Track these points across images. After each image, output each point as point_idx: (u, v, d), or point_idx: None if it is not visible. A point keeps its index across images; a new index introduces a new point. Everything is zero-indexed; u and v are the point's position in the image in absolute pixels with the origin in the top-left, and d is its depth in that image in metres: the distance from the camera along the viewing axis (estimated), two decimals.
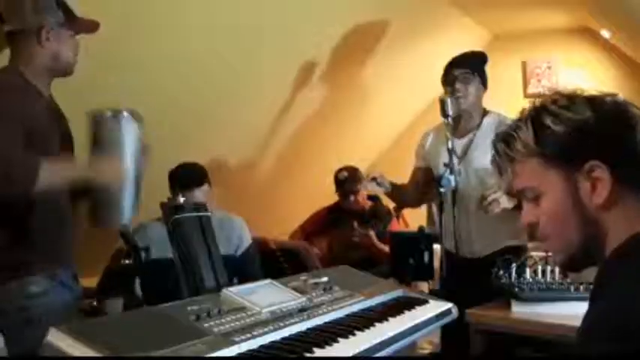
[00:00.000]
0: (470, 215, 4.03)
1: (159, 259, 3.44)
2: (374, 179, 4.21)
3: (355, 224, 5.56)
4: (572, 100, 1.52)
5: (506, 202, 3.74)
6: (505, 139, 1.60)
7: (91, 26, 3.09)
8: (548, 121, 1.51)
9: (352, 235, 5.55)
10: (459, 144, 4.11)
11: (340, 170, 5.67)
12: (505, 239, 3.97)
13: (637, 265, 1.42)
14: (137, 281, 3.76)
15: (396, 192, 4.34)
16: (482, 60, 4.28)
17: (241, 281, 3.43)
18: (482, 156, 3.94)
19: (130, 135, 2.91)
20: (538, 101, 1.57)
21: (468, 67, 4.12)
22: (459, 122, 4.16)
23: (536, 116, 1.54)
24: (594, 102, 1.51)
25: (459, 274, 3.89)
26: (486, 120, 4.13)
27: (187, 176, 4.12)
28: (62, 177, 2.77)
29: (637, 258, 1.43)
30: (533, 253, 3.69)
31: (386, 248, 5.14)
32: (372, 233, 5.47)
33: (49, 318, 2.73)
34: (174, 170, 4.16)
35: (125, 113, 2.92)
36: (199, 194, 4.04)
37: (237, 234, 4.26)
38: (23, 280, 2.81)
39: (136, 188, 2.98)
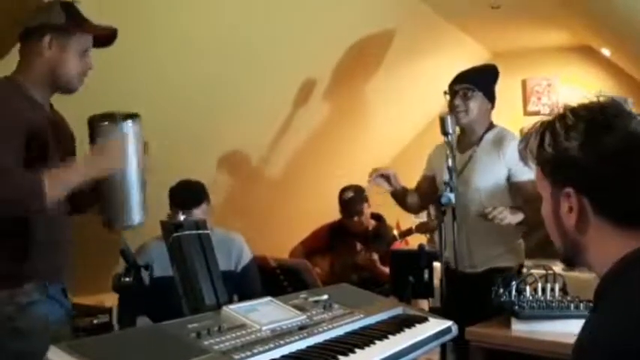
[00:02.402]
0: (468, 230, 4.04)
1: (161, 277, 3.45)
2: (382, 176, 4.30)
3: (358, 246, 5.55)
4: (575, 122, 1.56)
5: (510, 217, 3.79)
6: (525, 140, 1.69)
7: (105, 33, 3.00)
8: (547, 139, 1.59)
9: (355, 257, 5.55)
10: (462, 158, 4.13)
11: (345, 189, 5.66)
12: (503, 256, 3.99)
13: (627, 285, 1.45)
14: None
15: (401, 194, 4.40)
16: (489, 74, 4.30)
17: (242, 298, 3.44)
18: (481, 171, 3.97)
19: (128, 137, 2.90)
20: (555, 112, 1.63)
21: (469, 82, 4.13)
22: (461, 137, 4.21)
23: (543, 131, 1.61)
24: (591, 132, 1.54)
25: (458, 289, 3.89)
26: (487, 135, 4.15)
27: (186, 195, 4.13)
28: (66, 185, 2.74)
29: (628, 278, 1.46)
30: (534, 271, 3.70)
31: (387, 270, 5.13)
32: (375, 257, 5.46)
33: (37, 330, 2.74)
34: (174, 188, 4.17)
35: (121, 116, 2.92)
36: (198, 212, 4.04)
37: (237, 250, 4.28)
38: (13, 290, 2.78)
39: (141, 188, 2.99)
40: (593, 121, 1.54)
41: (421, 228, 5.49)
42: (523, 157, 1.71)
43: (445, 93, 4.19)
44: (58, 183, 2.69)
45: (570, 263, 1.68)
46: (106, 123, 2.90)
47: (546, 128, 1.60)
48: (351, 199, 5.59)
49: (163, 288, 3.18)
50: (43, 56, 2.87)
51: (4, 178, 2.59)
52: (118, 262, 4.00)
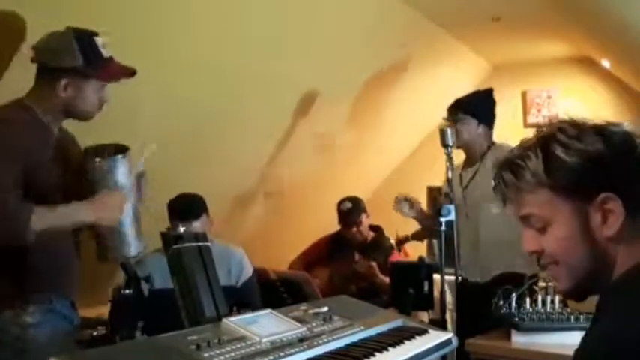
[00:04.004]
0: (470, 243, 4.23)
1: (160, 289, 3.44)
2: (407, 200, 4.47)
3: (357, 255, 5.56)
4: (580, 129, 1.49)
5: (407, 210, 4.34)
6: (513, 169, 1.55)
7: (124, 73, 3.00)
8: (558, 151, 1.48)
9: (353, 266, 5.55)
10: (465, 175, 4.46)
11: (343, 201, 5.67)
12: (515, 263, 4.02)
13: (633, 294, 1.42)
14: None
15: (426, 221, 4.58)
16: (480, 99, 4.59)
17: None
18: (485, 187, 4.02)
19: (119, 172, 2.93)
20: (545, 130, 1.54)
21: (458, 108, 4.46)
22: (466, 156, 4.54)
23: (545, 146, 1.50)
24: (603, 133, 1.48)
25: (467, 299, 4.00)
26: (489, 154, 4.40)
27: (185, 208, 4.13)
28: (60, 221, 2.77)
29: (634, 287, 1.43)
30: (542, 283, 3.70)
31: (387, 279, 5.14)
32: (374, 264, 5.46)
33: (45, 348, 2.73)
34: (173, 201, 4.17)
35: (110, 153, 2.97)
36: (197, 225, 4.05)
37: (237, 265, 4.27)
38: (18, 310, 2.80)
39: (136, 221, 3.01)
40: (595, 123, 1.50)
41: (418, 235, 5.49)
42: (503, 192, 1.58)
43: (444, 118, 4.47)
44: (51, 217, 2.71)
45: (582, 295, 1.59)
46: (98, 161, 2.94)
47: (545, 147, 1.50)
48: (350, 210, 5.60)
49: (161, 300, 3.17)
50: (58, 96, 2.88)
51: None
52: (115, 274, 4.03)
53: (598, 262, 1.49)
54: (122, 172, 2.94)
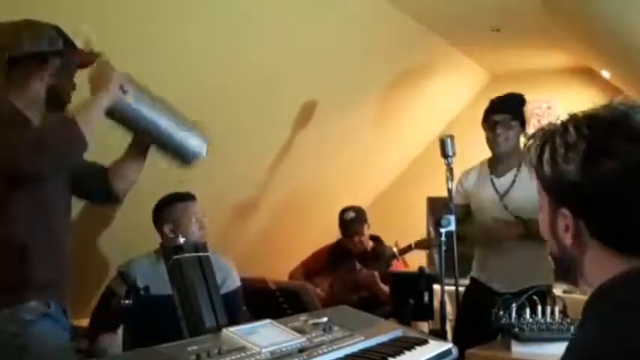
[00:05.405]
0: (503, 252, 4.22)
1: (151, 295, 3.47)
2: None
3: (357, 265, 5.56)
4: (576, 140, 1.49)
5: None
6: (526, 147, 1.64)
7: (89, 59, 3.06)
8: (546, 155, 1.53)
9: (354, 276, 5.55)
10: (502, 182, 4.33)
11: (346, 210, 5.68)
12: (535, 278, 4.02)
13: (611, 305, 1.44)
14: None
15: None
16: (522, 103, 4.54)
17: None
18: (524, 195, 4.04)
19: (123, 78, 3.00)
20: (558, 123, 1.58)
21: (510, 113, 4.38)
22: (498, 164, 4.40)
23: (543, 143, 1.55)
24: (591, 155, 1.47)
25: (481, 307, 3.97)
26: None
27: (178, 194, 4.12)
28: (90, 121, 2.84)
29: (614, 300, 1.45)
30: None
31: (388, 289, 5.15)
32: (377, 273, 5.46)
33: (43, 347, 2.75)
34: (162, 200, 4.13)
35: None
36: (195, 210, 4.06)
37: (222, 275, 4.12)
38: (16, 307, 2.78)
39: (181, 119, 3.17)
40: (594, 143, 1.47)
41: (421, 244, 5.49)
42: (526, 161, 1.68)
43: (483, 124, 4.40)
44: (84, 121, 2.79)
45: (565, 275, 1.67)
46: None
47: (547, 141, 1.55)
48: (352, 220, 5.61)
49: (152, 307, 3.19)
50: (42, 80, 2.91)
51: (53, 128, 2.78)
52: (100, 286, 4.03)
53: (565, 257, 1.58)
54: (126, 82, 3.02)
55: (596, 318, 1.45)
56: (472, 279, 4.42)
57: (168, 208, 4.04)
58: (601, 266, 1.50)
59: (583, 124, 1.50)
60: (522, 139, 4.32)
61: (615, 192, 1.45)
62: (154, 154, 3.21)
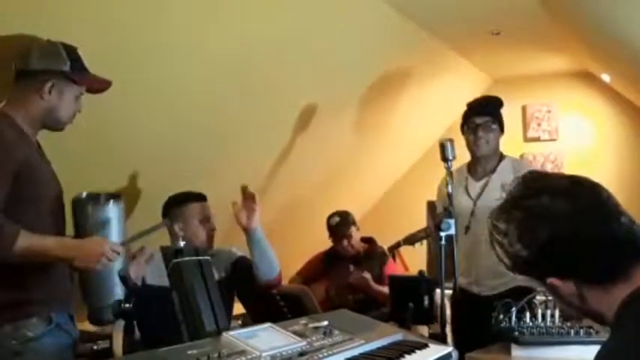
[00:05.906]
0: (481, 254, 4.15)
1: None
2: None
3: (351, 267, 5.56)
4: (506, 226, 1.61)
5: None
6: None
7: (102, 85, 3.07)
8: (498, 252, 1.63)
9: (347, 279, 5.55)
10: (477, 186, 4.32)
11: (332, 215, 5.69)
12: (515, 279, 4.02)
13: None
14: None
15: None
16: (500, 105, 4.48)
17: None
18: (493, 203, 4.01)
19: (110, 217, 2.99)
20: (522, 196, 1.65)
21: (490, 115, 4.33)
22: (477, 166, 4.39)
23: (493, 247, 1.64)
24: (524, 229, 1.57)
25: (469, 312, 4.01)
26: (502, 164, 4.35)
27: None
28: (42, 250, 2.77)
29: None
30: (539, 297, 3.70)
31: (383, 289, 5.14)
32: (367, 275, 5.45)
33: None
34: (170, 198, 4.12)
35: (104, 198, 3.00)
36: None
37: (225, 257, 4.13)
38: (17, 323, 2.78)
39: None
40: (519, 220, 1.59)
41: (409, 240, 5.48)
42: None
43: (463, 127, 4.39)
44: (35, 242, 2.73)
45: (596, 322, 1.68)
46: (90, 205, 2.99)
47: (492, 242, 1.64)
48: (338, 224, 5.62)
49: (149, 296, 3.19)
50: (42, 99, 2.90)
51: None
52: None
53: (589, 314, 1.62)
54: (110, 216, 3.00)
55: (628, 327, 1.47)
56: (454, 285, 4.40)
57: (182, 207, 4.02)
58: (612, 301, 1.52)
59: (500, 215, 1.66)
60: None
61: (566, 245, 1.53)
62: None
